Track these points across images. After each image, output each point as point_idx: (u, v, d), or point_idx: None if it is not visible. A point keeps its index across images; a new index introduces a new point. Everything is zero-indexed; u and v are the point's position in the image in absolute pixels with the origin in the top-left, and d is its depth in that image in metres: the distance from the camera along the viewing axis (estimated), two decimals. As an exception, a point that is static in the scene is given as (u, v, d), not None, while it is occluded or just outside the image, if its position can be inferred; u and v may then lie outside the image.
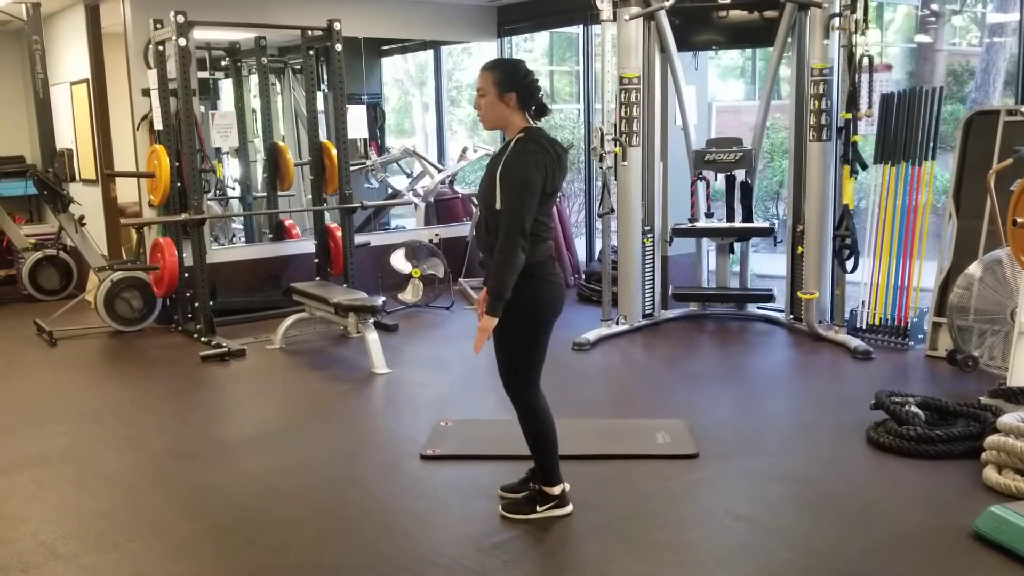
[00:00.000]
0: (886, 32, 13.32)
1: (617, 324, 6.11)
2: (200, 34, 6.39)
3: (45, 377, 5.55)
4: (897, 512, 3.33)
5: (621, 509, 3.39)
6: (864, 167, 5.47)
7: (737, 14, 6.10)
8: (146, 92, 6.45)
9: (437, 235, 7.85)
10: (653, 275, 6.28)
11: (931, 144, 5.47)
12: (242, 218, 8.10)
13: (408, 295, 6.97)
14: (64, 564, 3.05)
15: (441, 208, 8.38)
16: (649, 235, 6.20)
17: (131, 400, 5.01)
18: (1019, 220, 4.04)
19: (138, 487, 3.75)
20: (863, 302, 5.74)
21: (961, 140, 5.40)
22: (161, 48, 6.18)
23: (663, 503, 3.46)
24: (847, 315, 5.73)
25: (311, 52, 6.90)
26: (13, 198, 8.06)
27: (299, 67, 8.40)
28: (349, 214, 6.73)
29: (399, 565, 3.01)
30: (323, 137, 7.00)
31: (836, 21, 5.39)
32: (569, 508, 3.29)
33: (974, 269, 4.86)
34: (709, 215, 6.46)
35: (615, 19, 5.87)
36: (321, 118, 7.30)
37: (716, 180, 6.52)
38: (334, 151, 6.72)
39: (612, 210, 6.04)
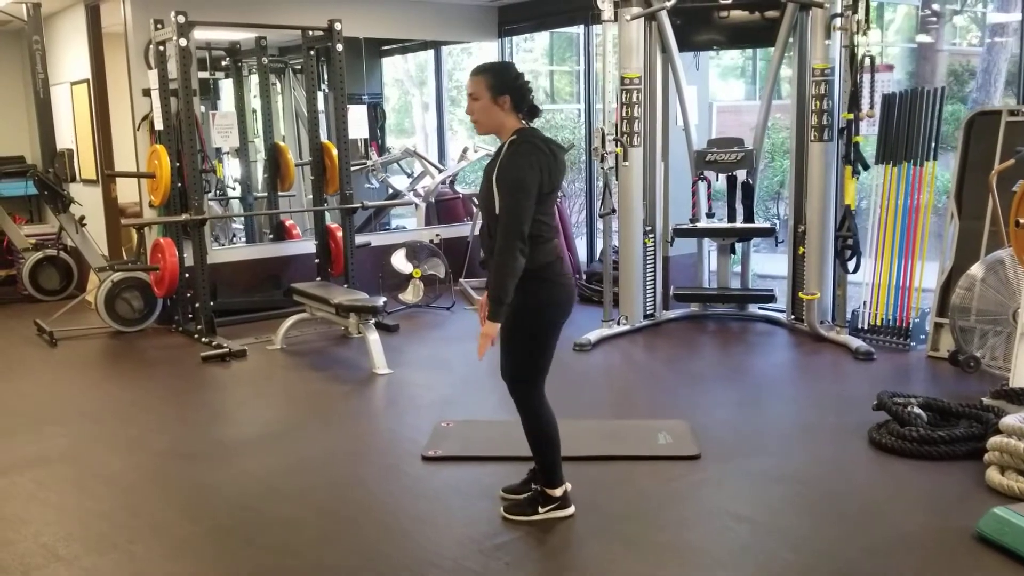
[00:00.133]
0: (886, 32, 13.30)
1: (618, 324, 6.10)
2: (200, 34, 6.38)
3: (46, 377, 5.54)
4: (899, 513, 3.33)
5: (623, 510, 3.38)
6: (866, 167, 5.46)
7: (738, 14, 6.10)
8: (147, 92, 6.45)
9: (438, 235, 7.84)
10: (654, 275, 6.27)
11: (933, 144, 5.47)
12: (242, 218, 8.09)
13: (409, 295, 6.97)
14: (65, 566, 3.05)
15: (442, 208, 8.37)
16: (650, 235, 6.20)
17: (132, 401, 5.01)
18: (1021, 221, 4.03)
19: (139, 488, 3.75)
20: (865, 302, 5.73)
21: (963, 140, 5.39)
22: (162, 48, 6.17)
23: (665, 504, 3.45)
24: (848, 316, 5.72)
25: (312, 52, 6.89)
26: (13, 198, 8.06)
27: (299, 67, 8.40)
28: (350, 214, 6.72)
29: (400, 566, 3.00)
30: (323, 137, 6.99)
31: (838, 21, 5.39)
32: (571, 510, 3.29)
33: (976, 270, 4.85)
34: (710, 215, 6.45)
35: (616, 19, 5.86)
36: (321, 118, 7.29)
37: (717, 180, 6.51)
38: (335, 151, 6.72)
39: (613, 210, 6.03)
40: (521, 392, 3.18)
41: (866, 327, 5.69)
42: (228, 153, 7.83)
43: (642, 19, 5.88)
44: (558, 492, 3.25)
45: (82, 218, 6.86)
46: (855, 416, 4.26)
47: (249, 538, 3.25)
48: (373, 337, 5.40)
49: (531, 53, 13.89)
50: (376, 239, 7.45)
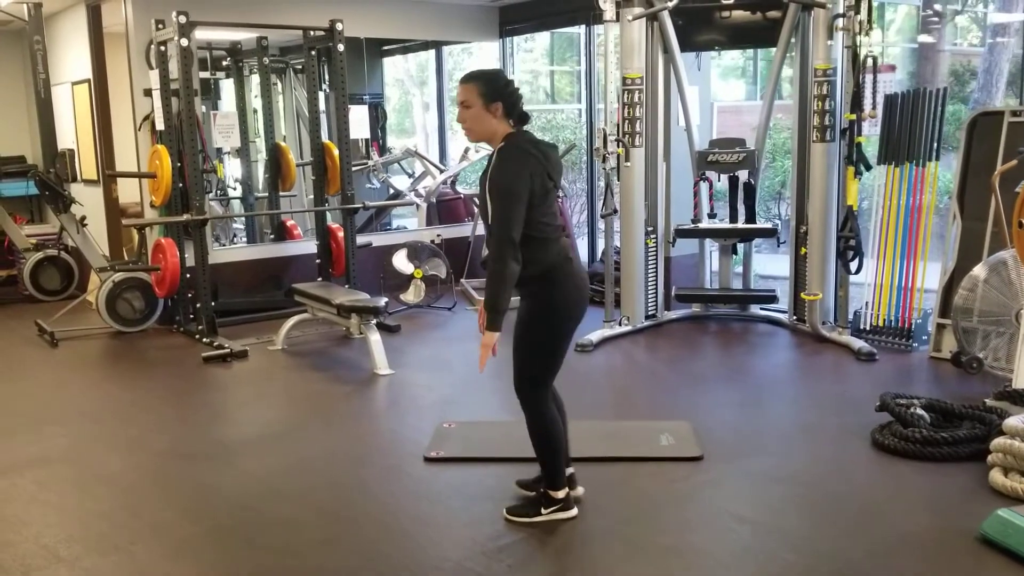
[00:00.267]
0: (887, 32, 13.30)
1: (620, 325, 6.09)
2: (201, 34, 6.37)
3: (47, 378, 5.53)
4: (902, 515, 3.32)
5: (626, 512, 3.38)
6: (868, 168, 5.45)
7: (740, 14, 6.09)
8: (148, 92, 6.44)
9: (439, 235, 7.84)
10: (656, 276, 6.26)
11: (935, 145, 5.46)
12: (243, 218, 8.09)
13: (410, 296, 6.96)
14: (66, 567, 3.04)
15: (443, 208, 8.36)
16: (652, 236, 6.19)
17: (132, 401, 5.00)
18: (1024, 221, 4.02)
19: (140, 488, 3.74)
20: (866, 303, 5.72)
21: (965, 141, 5.38)
22: (163, 48, 6.17)
23: (667, 505, 3.44)
24: (850, 316, 5.72)
25: (313, 52, 6.89)
26: (14, 198, 8.05)
27: (300, 67, 8.40)
28: (351, 215, 6.72)
29: (401, 568, 2.99)
30: (324, 137, 6.98)
31: (840, 22, 5.38)
32: (574, 511, 3.28)
33: (979, 271, 4.84)
34: (712, 216, 6.44)
35: (618, 19, 5.85)
36: (322, 118, 7.28)
37: (719, 181, 6.50)
38: (336, 151, 6.71)
39: (615, 211, 6.03)
40: (527, 393, 3.17)
41: (868, 328, 5.68)
42: (229, 153, 7.83)
43: (644, 19, 5.88)
44: (560, 494, 3.25)
45: (83, 218, 6.85)
46: (857, 417, 4.25)
47: (250, 539, 3.24)
48: (374, 338, 5.40)
49: (531, 53, 13.88)
50: (377, 239, 7.44)
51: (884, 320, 5.63)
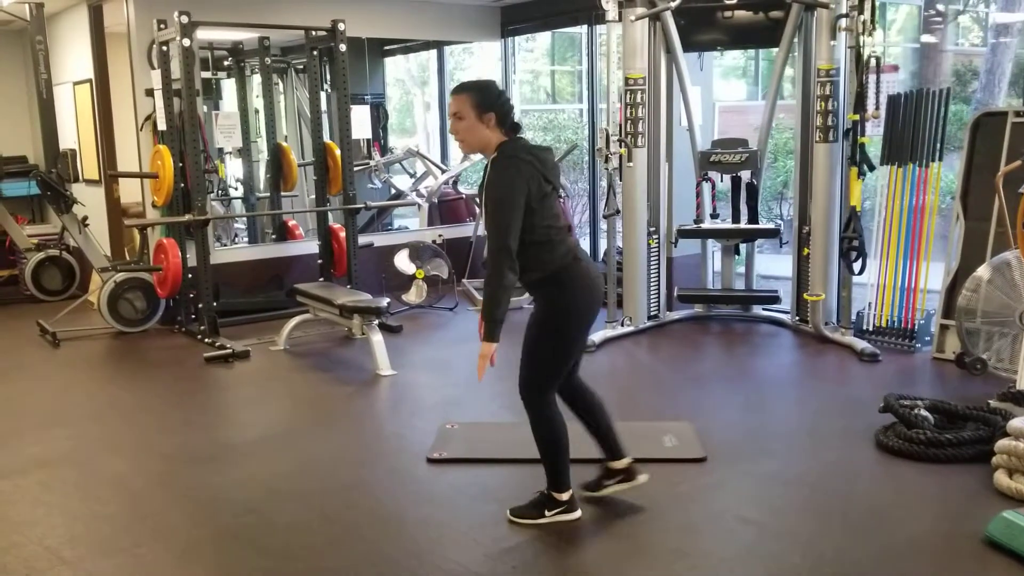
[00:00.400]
0: (888, 32, 13.29)
1: (622, 326, 6.09)
2: (203, 34, 6.36)
3: (49, 379, 5.53)
4: (907, 517, 3.31)
5: (630, 514, 3.37)
6: (872, 168, 5.45)
7: (742, 15, 6.08)
8: (149, 92, 6.44)
9: (441, 235, 7.83)
10: (658, 276, 6.26)
11: (938, 145, 5.45)
12: (245, 219, 8.08)
13: (412, 296, 6.96)
14: (70, 569, 3.04)
15: (444, 208, 8.36)
16: (654, 236, 6.18)
17: (135, 402, 5.00)
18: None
19: (143, 490, 3.73)
20: (869, 304, 5.72)
21: (968, 141, 5.37)
22: (165, 48, 6.16)
23: (671, 507, 3.44)
24: (853, 317, 5.71)
25: (315, 52, 6.88)
26: (16, 198, 8.04)
27: (302, 67, 8.39)
28: (353, 215, 6.71)
29: (405, 570, 2.99)
30: (326, 137, 6.98)
31: (843, 22, 5.37)
32: (578, 513, 3.27)
33: (983, 272, 4.84)
34: (714, 216, 6.44)
35: (620, 19, 5.85)
36: (324, 118, 7.28)
37: (722, 181, 6.49)
38: (338, 152, 6.70)
39: (617, 211, 6.02)
40: (532, 395, 3.16)
41: (871, 329, 5.67)
42: (230, 153, 7.82)
43: (646, 19, 5.87)
44: (565, 496, 3.24)
45: (85, 218, 6.85)
46: (861, 418, 4.25)
47: (254, 541, 3.24)
48: (377, 338, 5.39)
49: (532, 53, 13.89)
50: (379, 239, 7.44)
51: (887, 321, 5.62)
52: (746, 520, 3.31)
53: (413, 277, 6.97)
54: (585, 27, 7.85)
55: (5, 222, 7.69)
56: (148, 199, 6.65)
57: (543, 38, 13.31)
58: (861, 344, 5.46)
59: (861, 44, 5.29)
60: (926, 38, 12.79)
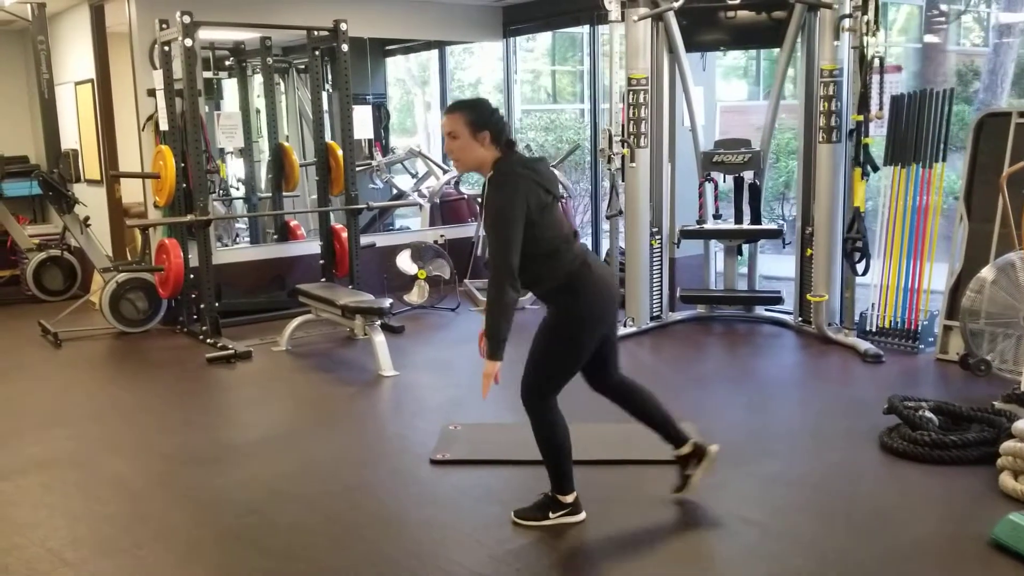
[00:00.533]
0: (889, 32, 13.28)
1: (625, 326, 6.07)
2: (204, 34, 6.36)
3: (51, 379, 5.52)
4: (912, 519, 3.30)
5: (633, 515, 3.36)
6: (876, 169, 5.44)
7: (745, 15, 6.07)
8: (151, 92, 6.43)
9: (442, 236, 7.82)
10: (661, 277, 6.25)
11: (941, 146, 5.44)
12: (246, 219, 8.07)
13: (414, 296, 6.95)
14: (73, 571, 3.03)
15: (446, 209, 8.35)
16: (657, 237, 6.17)
17: (137, 402, 4.99)
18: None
19: (145, 491, 3.73)
20: (873, 305, 5.70)
21: (972, 142, 5.36)
22: (166, 48, 6.15)
23: (675, 509, 3.43)
24: (856, 318, 5.70)
25: (316, 52, 6.87)
26: (17, 198, 8.03)
27: (303, 67, 8.38)
28: (355, 215, 6.70)
29: (409, 572, 2.98)
30: (327, 137, 6.97)
31: (847, 22, 5.36)
32: (582, 515, 3.26)
33: (987, 273, 4.82)
34: (717, 217, 6.43)
35: (623, 20, 5.84)
36: (326, 118, 7.28)
37: (724, 181, 6.48)
38: (340, 152, 6.69)
39: (620, 212, 6.01)
40: (534, 398, 3.15)
41: (874, 329, 5.66)
42: (231, 153, 7.82)
43: (649, 19, 5.86)
44: (569, 498, 3.23)
45: (87, 218, 6.84)
46: (865, 419, 4.24)
47: (257, 543, 3.23)
48: (379, 339, 5.38)
49: (532, 53, 13.88)
50: (381, 240, 7.43)
51: (890, 322, 5.61)
52: (749, 521, 3.30)
53: (415, 277, 6.96)
54: (587, 27, 7.84)
55: (7, 222, 7.69)
56: (150, 199, 6.65)
57: (543, 38, 13.30)
58: (864, 345, 5.45)
59: (865, 44, 5.28)
60: (929, 38, 12.77)
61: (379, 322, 5.50)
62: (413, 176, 9.00)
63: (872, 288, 5.71)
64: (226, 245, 7.69)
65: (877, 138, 5.57)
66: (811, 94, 5.74)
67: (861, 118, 5.33)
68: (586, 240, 8.41)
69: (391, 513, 3.47)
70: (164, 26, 6.14)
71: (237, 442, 4.34)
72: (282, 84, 8.57)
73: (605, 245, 7.21)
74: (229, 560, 3.13)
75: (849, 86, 5.47)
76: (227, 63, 8.12)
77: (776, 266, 7.56)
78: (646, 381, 5.29)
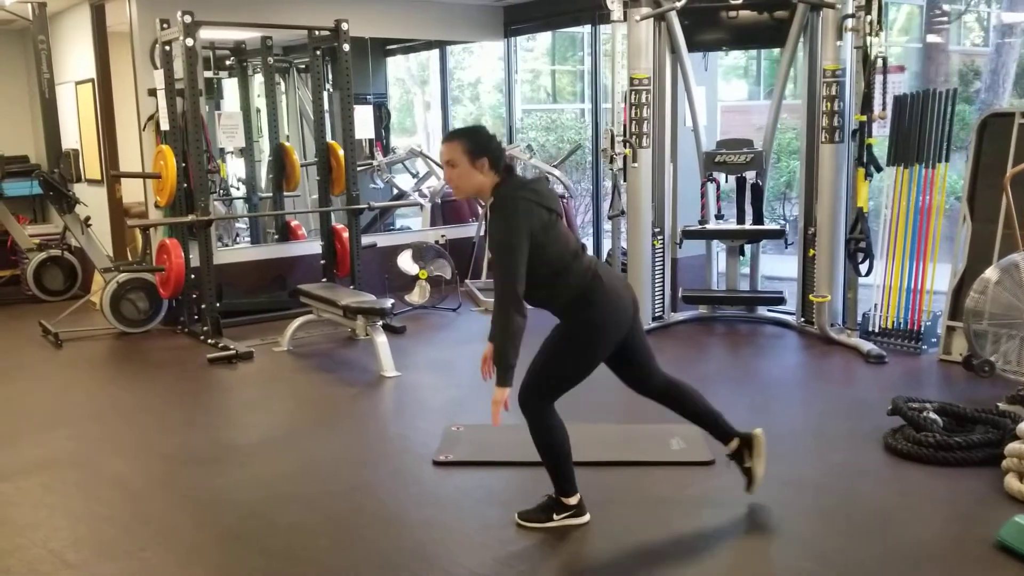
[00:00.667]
0: (890, 32, 13.27)
1: (626, 327, 6.05)
2: (205, 33, 6.34)
3: (51, 379, 5.51)
4: (917, 521, 3.29)
5: (638, 518, 3.35)
6: (879, 169, 5.43)
7: (747, 15, 6.05)
8: (152, 92, 6.42)
9: (443, 236, 7.81)
10: (663, 277, 6.23)
11: (944, 146, 5.43)
12: (247, 219, 8.06)
13: (415, 297, 6.94)
14: (75, 573, 3.01)
15: (447, 209, 8.34)
16: (659, 237, 6.16)
17: (138, 403, 4.97)
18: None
19: (147, 492, 3.71)
20: (875, 305, 5.69)
21: (975, 142, 5.35)
22: (167, 48, 6.14)
23: (680, 511, 3.42)
24: (859, 318, 5.69)
25: (318, 52, 6.85)
26: (18, 198, 8.02)
27: (304, 67, 8.37)
28: (356, 215, 6.69)
29: (411, 574, 2.96)
30: (329, 137, 6.95)
31: (849, 22, 5.34)
32: (586, 517, 3.25)
33: (990, 273, 4.80)
34: (719, 217, 6.42)
35: (625, 19, 5.82)
36: (326, 118, 7.27)
37: (727, 182, 6.47)
38: (341, 152, 6.68)
39: (622, 212, 6.00)
40: (534, 402, 3.12)
41: (877, 330, 5.64)
42: (231, 153, 7.80)
43: (651, 19, 5.85)
44: (573, 500, 3.22)
45: (88, 218, 6.83)
46: (868, 420, 4.22)
47: (259, 544, 3.21)
48: (381, 339, 5.37)
49: (532, 52, 13.88)
50: (382, 240, 7.42)
51: (893, 322, 5.59)
52: (755, 523, 3.29)
53: (416, 278, 6.95)
54: (588, 27, 7.83)
55: (7, 222, 7.67)
56: (150, 199, 6.63)
57: (543, 37, 13.30)
58: (867, 346, 5.44)
59: (868, 44, 5.26)
60: (932, 38, 12.76)
61: (381, 322, 5.49)
62: (414, 176, 8.99)
63: (875, 289, 5.70)
64: (226, 245, 7.67)
65: (879, 138, 5.56)
66: (814, 94, 5.72)
67: (864, 118, 5.32)
68: (587, 240, 8.41)
69: (393, 514, 3.45)
70: (165, 25, 6.12)
71: (238, 442, 4.33)
72: (283, 84, 8.56)
73: (607, 245, 7.20)
74: (230, 561, 3.12)
75: (852, 86, 5.46)
76: (228, 63, 8.11)
77: (778, 266, 7.55)
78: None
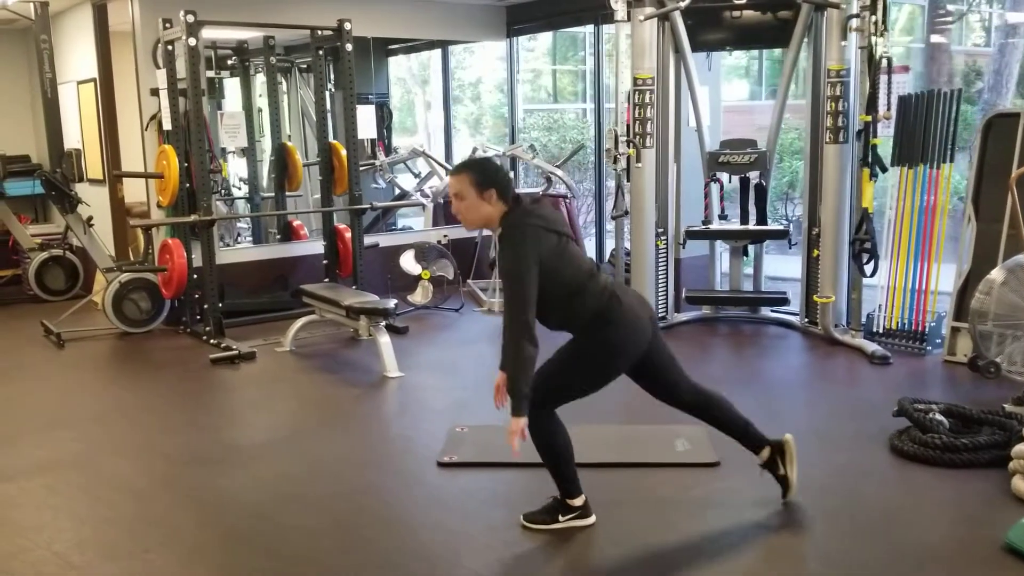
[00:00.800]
0: (891, 32, 13.26)
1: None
2: (207, 33, 6.33)
3: (54, 380, 5.50)
4: (924, 523, 3.28)
5: (643, 519, 3.33)
6: (884, 170, 5.41)
7: (751, 15, 6.04)
8: (154, 92, 6.41)
9: (446, 236, 7.80)
10: (666, 278, 6.22)
11: (949, 146, 5.41)
12: (249, 218, 8.05)
13: (418, 297, 6.93)
14: (80, 575, 3.00)
15: (449, 209, 8.30)
16: (662, 237, 6.15)
17: (140, 403, 4.96)
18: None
19: (151, 493, 3.70)
20: (880, 306, 5.68)
21: (980, 143, 5.34)
22: (170, 47, 6.13)
23: (685, 513, 3.40)
24: (863, 319, 5.67)
25: (320, 52, 6.84)
26: (20, 197, 8.01)
27: (306, 66, 8.35)
28: (359, 215, 6.68)
29: (419, 576, 2.96)
30: (331, 137, 6.94)
31: (854, 22, 5.33)
32: (592, 519, 3.24)
33: (996, 274, 4.78)
34: (723, 217, 6.40)
35: (629, 19, 5.81)
36: (328, 118, 7.25)
37: (730, 182, 6.46)
38: (343, 151, 6.67)
39: (626, 212, 5.98)
40: (536, 405, 3.08)
41: (881, 331, 5.63)
42: (233, 153, 7.79)
43: (655, 19, 5.83)
44: (578, 502, 3.21)
45: (90, 218, 6.82)
46: (873, 421, 4.21)
47: (263, 546, 3.20)
48: (384, 340, 5.36)
49: (532, 52, 13.85)
50: (384, 240, 7.41)
51: (897, 323, 5.58)
52: (760, 525, 3.28)
53: (419, 278, 6.94)
54: (591, 27, 7.82)
55: (8, 222, 7.66)
56: (153, 199, 6.63)
57: (544, 37, 13.27)
58: (871, 346, 5.42)
59: (873, 44, 5.24)
60: (936, 38, 12.73)
61: (384, 323, 5.47)
62: (416, 176, 8.97)
63: (879, 289, 5.68)
64: (228, 245, 7.66)
65: (884, 138, 5.54)
66: (818, 94, 5.71)
67: (869, 118, 5.30)
68: (590, 240, 8.40)
69: (397, 515, 3.44)
70: (167, 25, 6.11)
71: (241, 443, 4.32)
72: (285, 83, 8.54)
73: (610, 245, 7.19)
74: (234, 562, 3.11)
75: (856, 86, 5.45)
76: (230, 62, 8.09)
77: (782, 267, 7.53)
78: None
